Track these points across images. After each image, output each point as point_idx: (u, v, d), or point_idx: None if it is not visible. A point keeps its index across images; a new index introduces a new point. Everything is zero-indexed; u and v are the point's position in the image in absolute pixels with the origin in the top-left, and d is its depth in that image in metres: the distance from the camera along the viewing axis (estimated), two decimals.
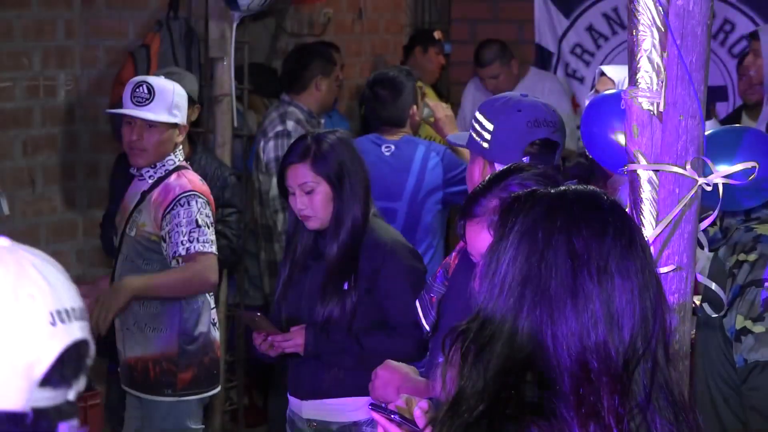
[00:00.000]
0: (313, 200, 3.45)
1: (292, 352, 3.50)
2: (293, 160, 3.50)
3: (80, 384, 1.45)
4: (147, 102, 4.16)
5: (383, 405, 2.33)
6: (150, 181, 4.17)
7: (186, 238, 4.01)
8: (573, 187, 1.84)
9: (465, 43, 7.53)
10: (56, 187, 5.88)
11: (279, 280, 3.68)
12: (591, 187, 1.86)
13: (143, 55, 5.72)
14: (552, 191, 1.80)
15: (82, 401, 4.61)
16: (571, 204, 1.76)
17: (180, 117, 4.21)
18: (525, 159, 2.95)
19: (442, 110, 5.16)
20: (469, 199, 2.61)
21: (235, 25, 5.32)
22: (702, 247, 2.19)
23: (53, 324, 1.41)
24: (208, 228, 4.07)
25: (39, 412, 1.41)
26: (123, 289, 3.99)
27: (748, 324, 2.56)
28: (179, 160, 4.22)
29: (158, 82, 4.28)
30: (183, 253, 4.00)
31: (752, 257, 2.63)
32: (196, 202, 4.06)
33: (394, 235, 3.61)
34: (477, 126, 2.99)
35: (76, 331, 1.44)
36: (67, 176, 5.92)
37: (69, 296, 1.45)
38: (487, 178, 2.64)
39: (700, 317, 2.63)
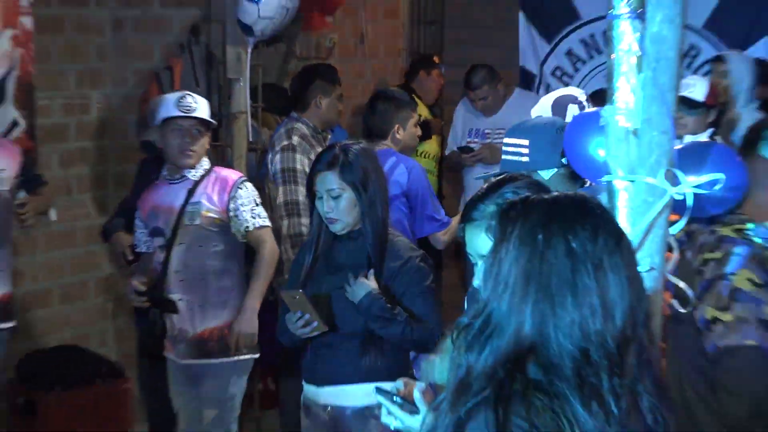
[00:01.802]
0: (339, 205, 3.43)
1: (317, 335, 3.45)
2: (321, 168, 3.48)
3: None
4: (194, 110, 4.28)
5: (387, 390, 2.33)
6: (193, 180, 4.30)
7: (250, 215, 4.29)
8: (564, 193, 1.87)
9: (457, 66, 7.53)
10: (89, 194, 5.89)
11: (294, 275, 3.63)
12: (580, 193, 1.88)
13: (167, 76, 5.73)
14: (546, 197, 1.82)
15: (114, 387, 4.65)
16: (565, 209, 1.78)
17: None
18: (564, 160, 2.98)
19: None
20: (468, 205, 2.63)
21: (249, 50, 5.35)
22: (671, 251, 2.18)
23: None
24: (261, 206, 4.39)
25: None
26: (251, 311, 4.28)
27: (718, 314, 2.57)
28: (209, 162, 4.40)
29: (197, 95, 4.42)
30: (251, 227, 4.28)
31: (717, 255, 2.65)
32: (249, 186, 4.39)
33: (406, 242, 3.57)
34: (511, 148, 3.03)
35: None
36: (98, 185, 5.92)
37: None
38: (484, 186, 2.66)
39: (671, 313, 2.63)
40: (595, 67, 6.97)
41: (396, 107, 4.98)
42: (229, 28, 5.39)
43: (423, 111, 7.06)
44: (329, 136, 5.41)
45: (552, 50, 7.27)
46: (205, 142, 4.34)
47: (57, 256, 5.70)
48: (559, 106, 3.56)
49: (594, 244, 1.73)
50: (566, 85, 7.17)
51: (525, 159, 3.00)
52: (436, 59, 7.56)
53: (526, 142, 3.00)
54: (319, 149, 5.12)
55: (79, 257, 5.81)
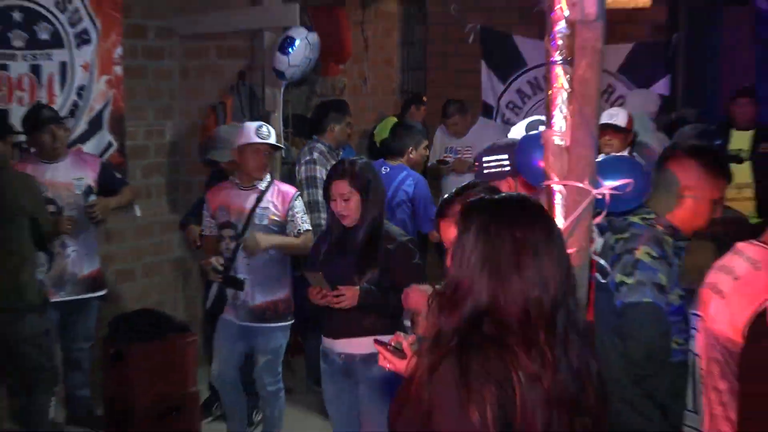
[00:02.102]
0: (349, 205, 3.42)
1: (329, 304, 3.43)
2: (336, 177, 3.45)
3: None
4: (268, 138, 4.25)
5: (383, 341, 2.31)
6: (260, 189, 4.26)
7: (301, 220, 4.26)
8: (510, 194, 1.86)
9: (436, 100, 7.52)
10: (164, 197, 5.87)
11: (312, 258, 3.60)
12: (522, 194, 1.87)
13: (222, 110, 5.72)
14: (496, 198, 1.82)
15: (182, 340, 4.65)
16: (510, 207, 1.77)
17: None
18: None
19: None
20: (441, 205, 2.62)
21: (282, 89, 5.33)
22: (594, 236, 2.18)
23: None
24: (307, 215, 4.38)
25: None
26: (272, 240, 4.18)
27: (624, 278, 2.57)
28: (270, 175, 4.38)
29: (270, 126, 4.38)
30: (302, 230, 4.23)
31: (626, 236, 2.65)
32: (300, 199, 4.36)
33: (398, 230, 3.55)
34: (493, 163, 3.01)
35: None
36: (170, 191, 5.91)
37: None
38: (453, 191, 2.66)
39: (595, 282, 2.62)
40: (538, 101, 6.97)
41: (412, 134, 5.04)
42: (266, 73, 5.38)
43: None
44: (341, 153, 5.40)
45: (506, 89, 7.26)
46: (270, 160, 4.32)
47: (140, 243, 5.70)
48: (531, 128, 3.56)
49: (534, 232, 1.73)
50: (517, 115, 7.18)
51: (508, 168, 2.99)
52: (424, 98, 7.57)
53: (505, 156, 2.99)
54: (334, 162, 5.12)
55: (157, 244, 5.81)
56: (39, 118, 4.53)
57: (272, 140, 4.28)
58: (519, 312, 1.69)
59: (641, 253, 2.55)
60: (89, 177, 4.68)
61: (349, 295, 3.36)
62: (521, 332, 1.69)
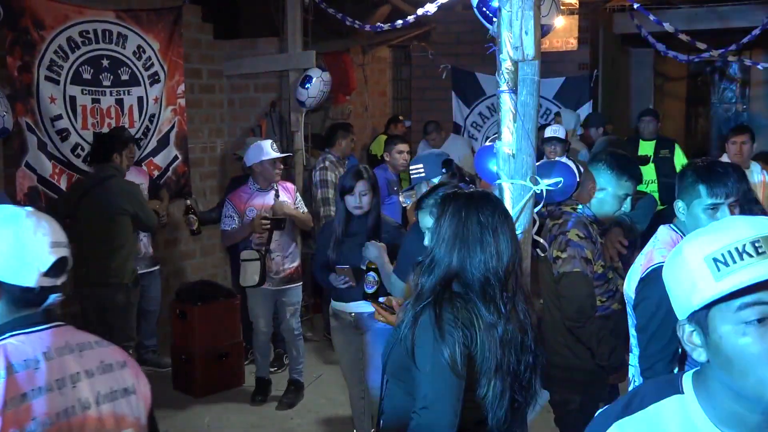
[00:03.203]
0: (364, 200, 3.33)
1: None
2: (360, 179, 3.30)
3: (62, 278, 1.42)
4: (278, 151, 4.18)
5: (378, 301, 2.31)
6: (275, 189, 4.20)
7: (302, 205, 4.24)
8: (477, 190, 1.88)
9: (420, 121, 7.50)
10: (216, 197, 5.83)
11: (324, 240, 3.46)
12: (484, 190, 1.88)
13: (258, 130, 5.69)
14: (466, 192, 1.84)
15: (230, 303, 4.65)
16: (477, 199, 1.79)
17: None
18: (443, 170, 2.95)
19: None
20: (419, 199, 2.61)
21: (303, 114, 5.30)
22: (535, 221, 2.17)
23: (51, 247, 1.39)
24: (321, 207, 4.43)
25: (42, 288, 1.38)
26: (288, 210, 4.13)
27: (559, 253, 2.55)
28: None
29: (276, 144, 4.29)
30: (305, 211, 4.21)
31: (560, 221, 2.62)
32: (298, 192, 4.36)
33: (390, 219, 3.48)
34: (414, 171, 3.01)
35: (63, 251, 1.41)
36: (220, 192, 5.86)
37: (60, 234, 1.42)
38: (429, 188, 2.64)
39: (538, 257, 2.61)
40: (494, 121, 6.95)
41: (388, 143, 4.99)
42: (292, 103, 5.35)
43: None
44: (347, 162, 5.37)
45: (470, 112, 7.24)
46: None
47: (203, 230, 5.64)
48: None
49: (493, 218, 1.74)
50: (479, 131, 7.17)
51: (422, 174, 2.98)
52: (400, 117, 7.49)
53: (421, 166, 2.98)
54: (342, 170, 5.08)
55: (211, 231, 5.77)
56: (123, 137, 4.50)
57: (282, 154, 4.24)
58: (481, 276, 1.71)
59: (571, 234, 2.53)
60: (145, 183, 4.63)
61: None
62: (482, 291, 1.70)
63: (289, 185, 4.36)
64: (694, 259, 0.99)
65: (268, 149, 4.15)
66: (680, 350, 1.90)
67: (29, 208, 1.43)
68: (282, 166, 4.29)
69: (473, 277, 1.70)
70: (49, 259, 1.38)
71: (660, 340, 1.92)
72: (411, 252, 2.71)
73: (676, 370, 1.92)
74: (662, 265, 1.17)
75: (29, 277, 1.36)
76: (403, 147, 4.90)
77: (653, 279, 1.91)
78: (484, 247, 1.71)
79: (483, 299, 1.69)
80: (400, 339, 1.71)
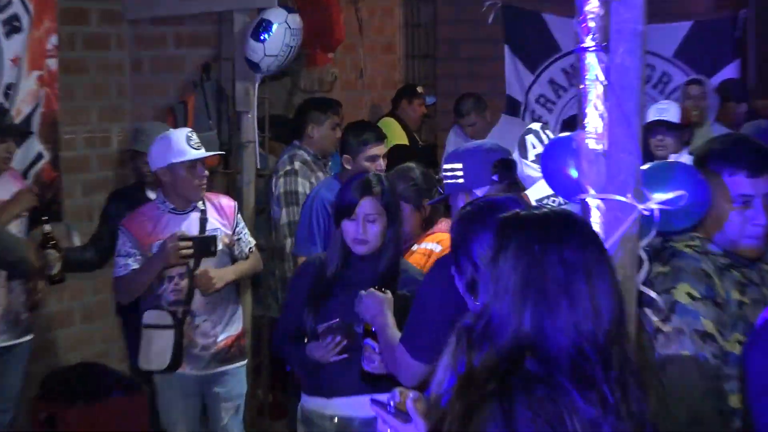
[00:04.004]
0: (371, 230, 3.33)
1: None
2: (365, 193, 3.33)
3: None
4: (201, 147, 4.25)
5: (380, 401, 2.32)
6: (201, 208, 4.26)
7: (246, 237, 4.44)
8: (551, 209, 1.93)
9: (449, 96, 7.56)
10: None
11: (297, 294, 3.48)
12: (562, 208, 1.92)
13: (182, 110, 5.76)
14: (537, 213, 1.89)
15: (131, 400, 4.62)
16: (557, 224, 1.83)
17: None
18: (495, 177, 3.00)
19: None
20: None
21: (257, 84, 5.35)
22: (642, 262, 2.19)
23: None
24: (289, 238, 4.62)
25: None
26: (225, 275, 4.27)
27: (660, 324, 2.55)
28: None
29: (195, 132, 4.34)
30: (252, 248, 4.46)
31: (666, 269, 2.61)
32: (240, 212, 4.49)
33: (417, 269, 3.46)
34: (448, 173, 3.05)
35: None
36: None
37: None
38: (469, 202, 2.68)
39: (643, 326, 2.61)
40: (575, 97, 6.97)
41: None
42: (237, 65, 5.40)
43: (403, 139, 7.03)
44: (331, 164, 5.41)
45: (536, 79, 7.29)
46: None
47: (79, 279, 5.67)
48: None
49: (583, 254, 1.79)
50: (550, 111, 7.22)
51: (461, 180, 3.01)
52: (419, 89, 7.53)
53: (459, 165, 3.02)
54: (321, 174, 5.14)
55: (100, 279, 5.77)
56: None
57: (204, 151, 4.25)
58: (571, 346, 1.74)
59: (679, 292, 2.52)
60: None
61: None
62: (574, 370, 1.73)
63: (226, 203, 4.40)
64: None
65: (182, 145, 4.18)
66: None
67: None
68: (206, 173, 4.32)
69: (559, 349, 1.74)
70: None
71: None
72: (433, 309, 2.73)
73: None
74: None
75: None
76: (377, 150, 4.80)
77: None
78: (573, 300, 1.75)
79: (577, 382, 1.72)
80: None
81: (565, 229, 1.82)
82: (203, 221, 4.24)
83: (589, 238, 1.82)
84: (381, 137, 4.89)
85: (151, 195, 4.72)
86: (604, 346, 1.75)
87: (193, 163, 4.18)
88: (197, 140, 4.25)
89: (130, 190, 5.09)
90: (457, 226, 2.62)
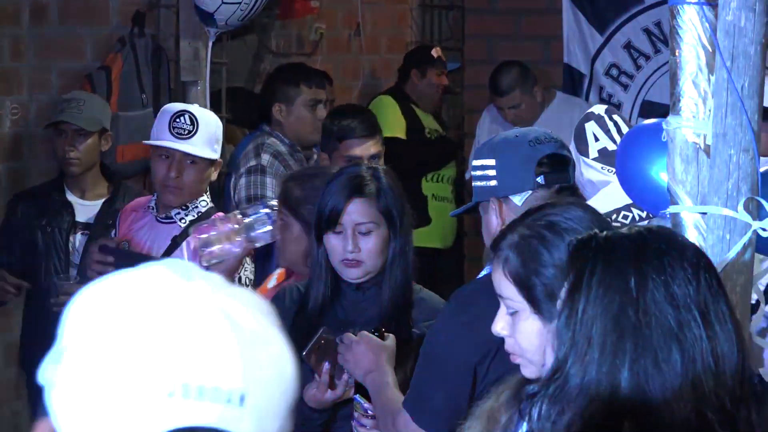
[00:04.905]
0: (365, 245, 3.39)
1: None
2: (355, 193, 3.40)
3: None
4: (190, 135, 4.32)
5: None
6: (182, 225, 4.33)
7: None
8: (646, 226, 1.97)
9: (481, 64, 7.56)
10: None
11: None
12: (662, 226, 1.94)
13: (103, 79, 5.74)
14: (627, 232, 1.91)
15: None
16: (655, 247, 1.85)
17: (219, 152, 4.44)
18: (540, 179, 3.01)
19: None
20: (494, 241, 2.65)
21: (210, 44, 5.36)
22: (758, 304, 2.21)
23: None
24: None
25: None
26: None
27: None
28: (210, 201, 4.45)
29: (202, 112, 4.46)
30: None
31: None
32: None
33: (437, 298, 3.52)
34: (477, 172, 3.08)
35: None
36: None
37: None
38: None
39: None
40: (663, 64, 6.96)
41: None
42: (183, 16, 5.42)
43: (397, 128, 6.89)
44: (314, 156, 5.43)
45: (606, 42, 7.30)
46: (206, 175, 4.44)
47: None
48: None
49: (697, 288, 1.81)
50: (625, 88, 7.22)
51: (493, 183, 3.02)
52: (435, 53, 7.39)
53: (492, 162, 3.03)
54: (300, 169, 5.15)
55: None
56: None
57: (193, 150, 4.31)
58: (689, 412, 1.77)
59: None
60: None
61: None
62: None
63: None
64: None
65: (163, 124, 4.35)
66: None
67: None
68: (184, 173, 4.36)
69: (672, 416, 1.77)
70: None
71: None
72: (448, 358, 2.78)
73: None
74: None
75: None
76: (363, 148, 4.90)
77: None
78: (686, 351, 1.78)
79: None
80: None
81: (668, 253, 1.83)
82: (176, 240, 4.31)
83: (701, 266, 1.84)
84: (371, 129, 4.98)
85: (70, 197, 4.82)
86: (730, 406, 1.78)
87: (170, 153, 4.29)
88: (188, 127, 4.32)
89: (38, 190, 5.13)
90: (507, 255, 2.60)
